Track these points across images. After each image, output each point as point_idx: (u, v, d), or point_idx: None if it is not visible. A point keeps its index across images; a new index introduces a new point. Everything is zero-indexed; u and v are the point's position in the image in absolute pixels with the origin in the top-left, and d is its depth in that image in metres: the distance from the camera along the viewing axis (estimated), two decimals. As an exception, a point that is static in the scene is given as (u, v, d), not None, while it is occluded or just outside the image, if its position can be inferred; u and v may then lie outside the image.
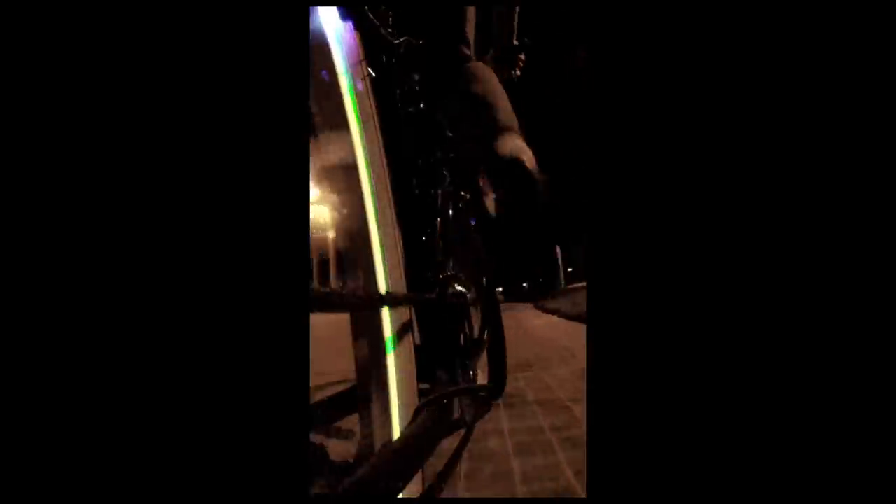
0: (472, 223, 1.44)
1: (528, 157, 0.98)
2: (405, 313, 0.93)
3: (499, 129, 1.01)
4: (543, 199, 0.96)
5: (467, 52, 1.11)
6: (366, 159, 0.91)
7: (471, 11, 1.14)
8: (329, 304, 0.53)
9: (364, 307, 0.80)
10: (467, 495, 1.12)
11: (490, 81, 1.08)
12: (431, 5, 1.09)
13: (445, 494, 0.93)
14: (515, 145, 0.99)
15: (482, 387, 1.13)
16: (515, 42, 1.41)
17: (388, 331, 0.90)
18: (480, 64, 1.10)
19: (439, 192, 1.24)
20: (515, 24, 1.39)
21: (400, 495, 0.59)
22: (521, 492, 1.10)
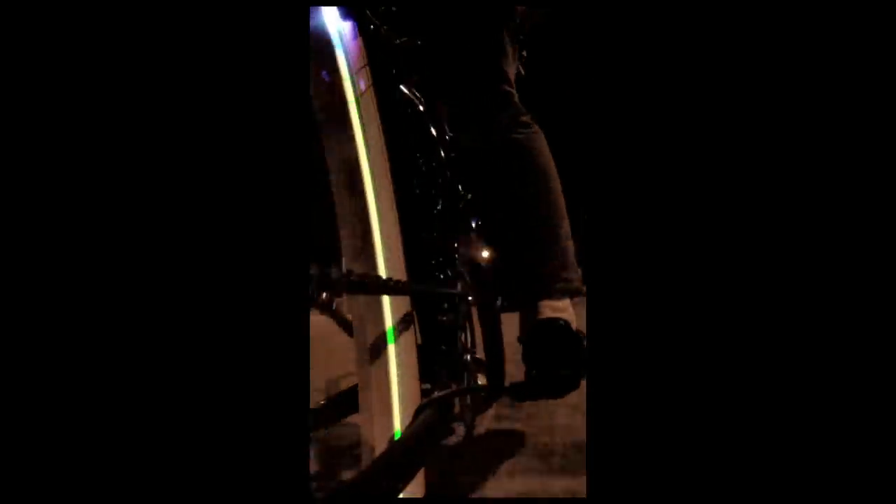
0: (474, 224, 1.44)
1: (571, 316, 0.95)
2: (407, 312, 0.93)
3: (547, 287, 0.95)
4: (584, 355, 0.94)
5: (508, 88, 1.03)
6: (368, 159, 0.91)
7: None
8: (331, 285, 0.53)
9: (366, 291, 0.80)
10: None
11: (548, 179, 0.99)
12: (462, 28, 1.01)
13: (445, 493, 0.93)
14: (561, 305, 0.95)
15: (482, 387, 1.13)
16: (520, 36, 1.36)
17: (389, 330, 0.90)
18: (538, 136, 1.03)
19: (439, 192, 1.24)
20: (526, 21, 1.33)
21: (400, 495, 0.59)
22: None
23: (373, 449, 0.82)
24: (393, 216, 0.93)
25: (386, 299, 0.90)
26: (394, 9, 1.05)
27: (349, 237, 0.90)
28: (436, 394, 0.85)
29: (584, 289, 1.02)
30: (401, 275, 0.92)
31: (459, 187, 1.31)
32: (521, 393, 1.02)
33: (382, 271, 0.90)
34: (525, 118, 1.03)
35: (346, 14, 0.87)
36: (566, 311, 1.00)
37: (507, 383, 1.12)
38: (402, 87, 1.12)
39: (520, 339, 1.01)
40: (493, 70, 1.02)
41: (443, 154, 1.23)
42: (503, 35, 1.04)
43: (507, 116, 1.01)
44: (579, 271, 1.04)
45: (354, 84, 0.88)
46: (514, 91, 1.04)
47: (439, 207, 1.23)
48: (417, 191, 1.14)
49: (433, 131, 1.21)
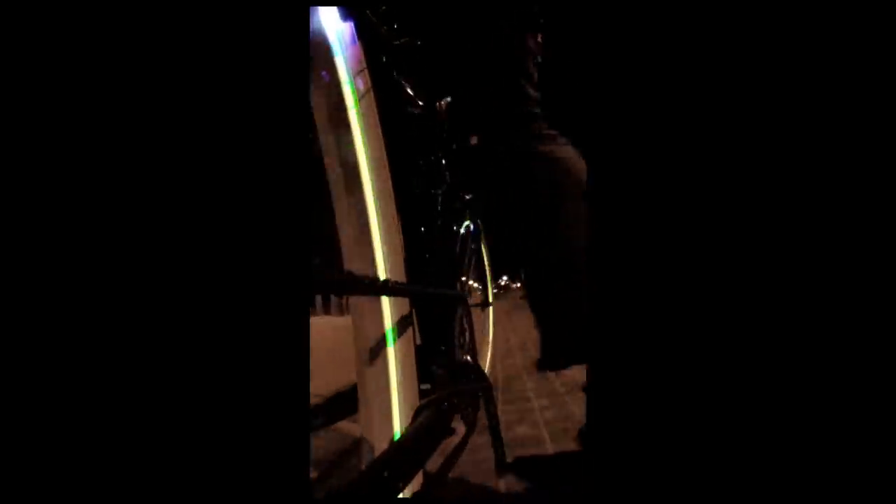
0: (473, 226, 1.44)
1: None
2: (406, 313, 0.93)
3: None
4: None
5: (530, 108, 0.99)
6: (367, 159, 0.91)
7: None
8: (331, 285, 0.53)
9: (366, 291, 0.80)
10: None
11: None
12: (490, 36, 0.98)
13: (445, 494, 0.93)
14: None
15: (480, 386, 1.13)
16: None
17: (389, 331, 0.90)
18: (565, 147, 0.98)
19: (439, 193, 1.24)
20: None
21: (400, 495, 0.59)
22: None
23: (373, 449, 0.82)
24: (392, 216, 0.93)
25: (385, 300, 0.90)
26: (384, 8, 1.04)
27: (348, 238, 0.90)
28: (434, 394, 0.85)
29: None
30: (400, 275, 0.93)
31: (459, 188, 1.31)
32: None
33: (381, 272, 0.90)
34: (549, 131, 1.00)
35: (346, 15, 0.87)
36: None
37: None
38: (402, 87, 1.12)
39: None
40: (516, 92, 1.00)
41: (441, 154, 1.23)
42: (526, 55, 1.02)
43: (526, 133, 0.99)
44: None
45: (354, 84, 0.88)
46: (536, 110, 1.02)
47: (439, 208, 1.23)
48: (417, 190, 1.14)
49: (432, 131, 1.21)
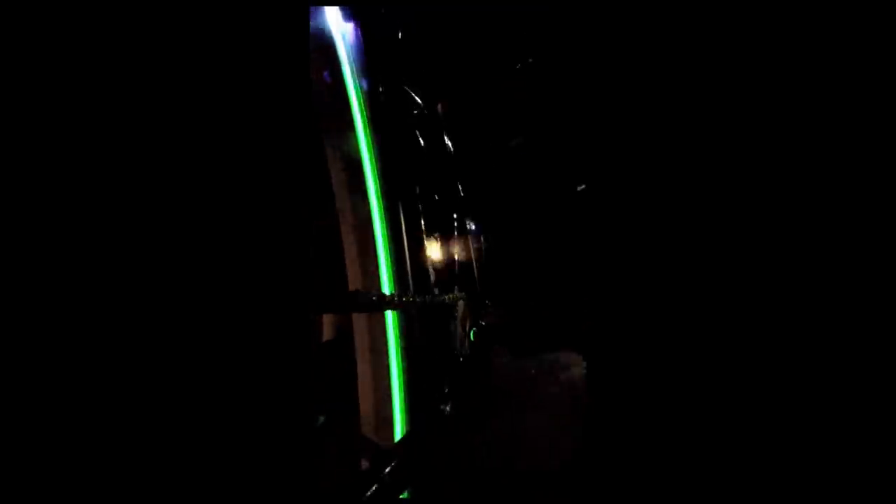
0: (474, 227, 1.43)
1: None
2: (408, 316, 0.93)
3: None
4: None
5: None
6: (372, 161, 0.91)
7: None
8: (334, 306, 0.53)
9: (369, 309, 0.80)
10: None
11: None
12: None
13: (445, 495, 0.93)
14: None
15: (480, 385, 1.12)
16: None
17: (391, 332, 0.90)
18: None
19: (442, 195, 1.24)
20: None
21: (401, 496, 0.59)
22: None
23: (374, 450, 0.82)
24: (397, 223, 0.93)
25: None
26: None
27: (352, 249, 0.89)
28: (435, 395, 0.85)
29: None
30: (403, 277, 0.92)
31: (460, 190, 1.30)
32: None
33: (384, 273, 0.90)
34: None
35: (350, 16, 0.87)
36: None
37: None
38: (405, 88, 1.12)
39: None
40: None
41: (447, 158, 1.23)
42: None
43: None
44: None
45: (358, 86, 0.88)
46: None
47: (442, 213, 1.23)
48: (419, 190, 1.14)
49: (437, 134, 1.21)
